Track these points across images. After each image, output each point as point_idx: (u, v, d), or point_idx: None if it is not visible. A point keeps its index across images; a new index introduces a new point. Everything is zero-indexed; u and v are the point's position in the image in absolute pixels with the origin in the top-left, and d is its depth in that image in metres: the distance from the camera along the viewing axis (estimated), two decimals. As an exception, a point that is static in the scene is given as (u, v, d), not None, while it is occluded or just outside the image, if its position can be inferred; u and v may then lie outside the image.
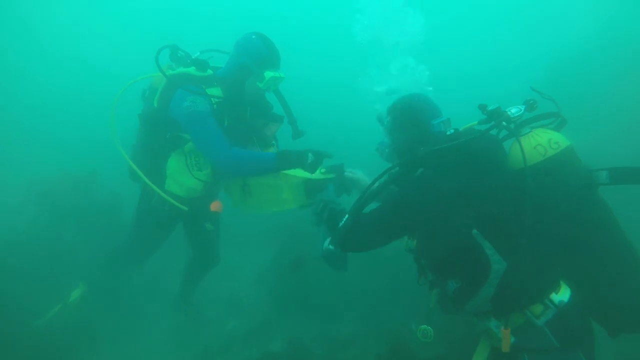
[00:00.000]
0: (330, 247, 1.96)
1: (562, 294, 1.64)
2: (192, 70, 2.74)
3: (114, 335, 3.40)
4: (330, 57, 10.87)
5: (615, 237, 1.69)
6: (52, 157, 6.48)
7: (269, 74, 2.69)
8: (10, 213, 4.70)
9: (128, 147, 2.99)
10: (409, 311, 3.56)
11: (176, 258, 3.94)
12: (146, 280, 4.09)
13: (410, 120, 2.08)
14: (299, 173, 2.67)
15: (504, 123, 1.77)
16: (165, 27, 10.95)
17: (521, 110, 1.81)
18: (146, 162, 2.85)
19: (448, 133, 1.91)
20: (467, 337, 2.20)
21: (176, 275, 3.74)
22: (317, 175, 2.68)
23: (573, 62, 7.29)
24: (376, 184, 1.90)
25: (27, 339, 2.95)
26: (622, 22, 7.37)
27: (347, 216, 1.91)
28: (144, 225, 3.08)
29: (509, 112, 1.78)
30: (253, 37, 2.79)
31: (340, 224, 1.91)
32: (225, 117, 2.77)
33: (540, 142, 1.74)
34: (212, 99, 2.68)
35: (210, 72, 2.79)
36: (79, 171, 5.22)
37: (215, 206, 2.89)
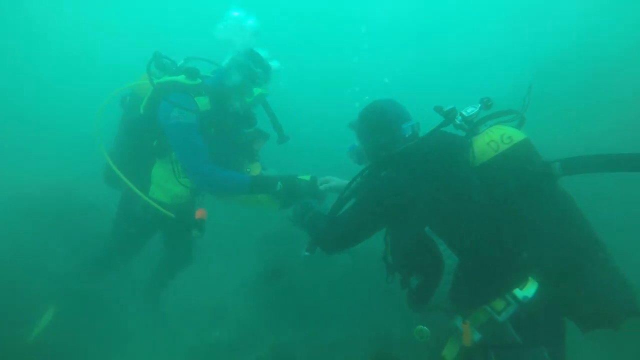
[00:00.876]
0: (306, 253, 2.14)
1: (527, 290, 1.60)
2: (181, 78, 2.75)
3: (97, 345, 3.37)
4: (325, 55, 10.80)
5: (579, 230, 1.68)
6: (38, 163, 6.40)
7: (257, 90, 2.81)
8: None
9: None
10: (394, 316, 3.61)
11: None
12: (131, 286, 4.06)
13: (380, 124, 2.17)
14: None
15: (457, 122, 1.85)
16: (156, 28, 10.82)
17: (476, 108, 1.87)
18: (127, 168, 2.82)
19: (406, 136, 2.06)
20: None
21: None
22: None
23: (564, 55, 7.33)
24: (348, 191, 2.03)
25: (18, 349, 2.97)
26: (614, 17, 7.46)
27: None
28: (125, 232, 3.06)
29: (464, 112, 1.86)
30: (246, 52, 2.82)
31: (317, 231, 2.07)
32: (212, 126, 2.79)
33: (493, 138, 1.79)
34: (199, 108, 2.69)
35: (199, 80, 2.80)
36: (63, 179, 5.18)
37: (200, 213, 2.91)
